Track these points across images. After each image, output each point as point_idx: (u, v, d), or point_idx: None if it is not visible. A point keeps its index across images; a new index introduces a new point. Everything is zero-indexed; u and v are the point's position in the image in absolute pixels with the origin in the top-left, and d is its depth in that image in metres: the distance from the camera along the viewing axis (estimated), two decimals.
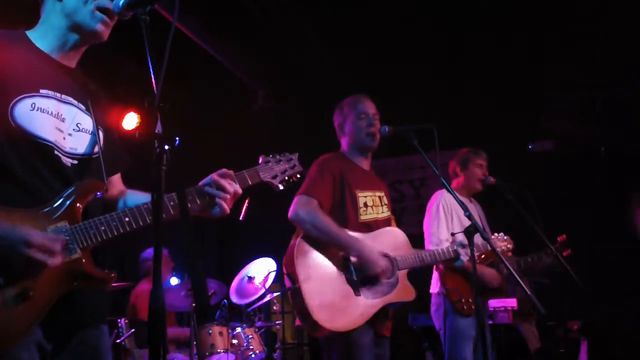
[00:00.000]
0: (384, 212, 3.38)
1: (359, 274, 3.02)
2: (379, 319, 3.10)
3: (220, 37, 5.92)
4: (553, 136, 6.70)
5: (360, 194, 3.27)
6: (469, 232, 3.06)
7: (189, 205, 1.84)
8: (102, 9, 1.86)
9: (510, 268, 2.94)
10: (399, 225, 3.60)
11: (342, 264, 3.03)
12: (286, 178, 2.14)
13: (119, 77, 5.80)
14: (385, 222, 3.37)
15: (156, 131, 1.53)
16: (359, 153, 3.44)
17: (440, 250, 3.43)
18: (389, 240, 3.27)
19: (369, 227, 3.25)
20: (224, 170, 1.96)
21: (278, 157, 2.17)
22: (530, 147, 6.74)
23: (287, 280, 3.06)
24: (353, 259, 3.03)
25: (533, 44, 6.12)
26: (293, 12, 5.76)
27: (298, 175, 2.19)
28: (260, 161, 2.12)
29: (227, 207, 1.90)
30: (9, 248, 1.59)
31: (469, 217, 2.97)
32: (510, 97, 6.61)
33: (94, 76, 2.07)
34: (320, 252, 3.01)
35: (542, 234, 3.97)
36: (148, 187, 1.57)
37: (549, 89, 6.71)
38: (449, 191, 3.16)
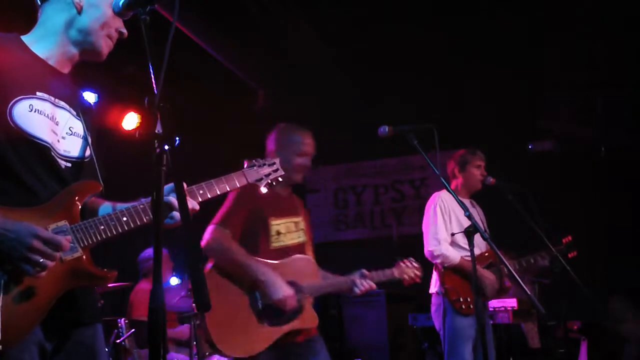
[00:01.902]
0: (299, 238, 3.39)
1: (264, 302, 3.10)
2: (283, 339, 3.14)
3: (220, 37, 5.92)
4: (553, 136, 6.71)
5: (273, 222, 3.30)
6: (469, 232, 3.07)
7: (147, 219, 1.87)
8: (112, 38, 1.97)
9: (511, 268, 2.94)
10: (399, 225, 3.62)
11: (249, 292, 3.12)
12: (269, 181, 2.29)
13: (119, 77, 5.80)
14: (299, 248, 3.37)
15: (156, 131, 1.54)
16: (284, 182, 3.23)
17: (343, 279, 3.37)
18: (298, 269, 3.29)
19: (281, 254, 3.27)
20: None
21: (262, 161, 2.31)
22: (530, 147, 6.75)
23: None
24: (260, 285, 3.09)
25: (533, 43, 6.12)
26: (293, 12, 5.77)
27: (280, 179, 2.35)
28: (245, 165, 2.25)
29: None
30: (16, 240, 1.61)
31: (469, 217, 2.97)
32: (510, 97, 6.61)
33: (94, 76, 2.09)
34: (228, 282, 3.09)
35: (542, 235, 3.96)
36: (147, 188, 1.57)
37: (549, 89, 6.72)
38: (449, 191, 3.15)
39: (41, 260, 1.63)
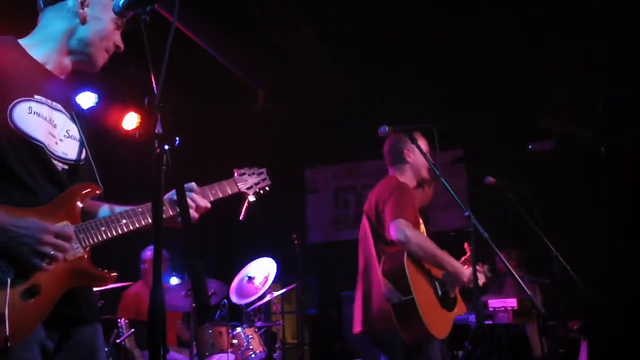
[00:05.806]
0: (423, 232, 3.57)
1: (443, 289, 3.30)
2: None
3: (220, 37, 5.92)
4: (553, 136, 6.72)
5: (420, 220, 3.45)
6: (469, 232, 3.06)
7: (145, 222, 1.91)
8: (109, 51, 2.00)
9: (510, 268, 2.94)
10: None
11: (430, 280, 3.27)
12: (258, 190, 2.34)
13: (119, 77, 5.80)
14: None
15: (156, 131, 1.54)
16: (414, 183, 3.54)
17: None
18: None
19: None
20: (192, 184, 2.04)
21: (250, 170, 2.35)
22: (530, 147, 6.75)
23: (391, 292, 3.19)
24: (451, 273, 3.27)
25: (533, 43, 6.12)
26: (293, 12, 5.77)
27: (267, 188, 2.39)
28: (235, 174, 2.29)
29: (195, 219, 2.00)
30: (27, 236, 1.63)
31: (469, 217, 2.97)
32: (510, 97, 6.61)
33: (94, 76, 2.10)
34: (419, 269, 3.25)
35: (541, 234, 3.96)
36: (147, 188, 1.58)
37: (549, 89, 6.72)
38: (449, 191, 3.16)
39: (52, 252, 1.66)
